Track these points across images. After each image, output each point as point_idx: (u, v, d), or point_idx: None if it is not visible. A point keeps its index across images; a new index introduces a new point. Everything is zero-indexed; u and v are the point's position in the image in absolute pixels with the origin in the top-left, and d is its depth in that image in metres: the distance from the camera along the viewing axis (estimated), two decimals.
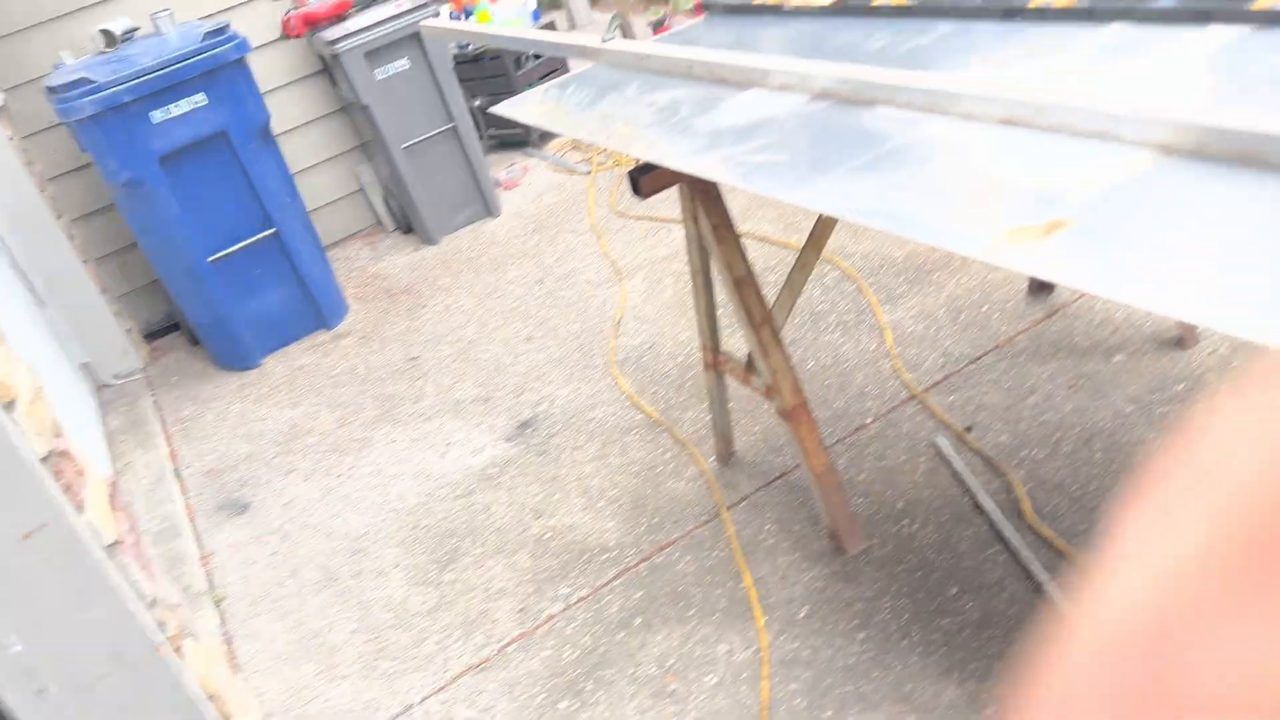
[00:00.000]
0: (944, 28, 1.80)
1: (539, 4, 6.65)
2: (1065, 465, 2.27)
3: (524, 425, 2.99)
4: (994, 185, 1.21)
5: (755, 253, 3.50)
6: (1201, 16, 1.46)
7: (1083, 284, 1.00)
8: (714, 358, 2.39)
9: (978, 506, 2.21)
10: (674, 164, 1.62)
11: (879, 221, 1.23)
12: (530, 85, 4.36)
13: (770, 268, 3.41)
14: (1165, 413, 2.32)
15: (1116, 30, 1.54)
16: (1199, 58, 1.37)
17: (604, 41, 2.14)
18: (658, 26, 5.86)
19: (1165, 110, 1.16)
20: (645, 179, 2.03)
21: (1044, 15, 1.67)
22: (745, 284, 2.07)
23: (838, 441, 2.56)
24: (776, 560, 2.24)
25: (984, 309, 2.89)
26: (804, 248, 2.25)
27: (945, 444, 2.42)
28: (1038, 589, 1.96)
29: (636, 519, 2.49)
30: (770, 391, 2.14)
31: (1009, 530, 2.10)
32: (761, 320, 2.09)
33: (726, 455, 2.60)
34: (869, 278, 3.21)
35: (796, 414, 2.12)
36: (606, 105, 1.99)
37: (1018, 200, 1.15)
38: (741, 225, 3.64)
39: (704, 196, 2.06)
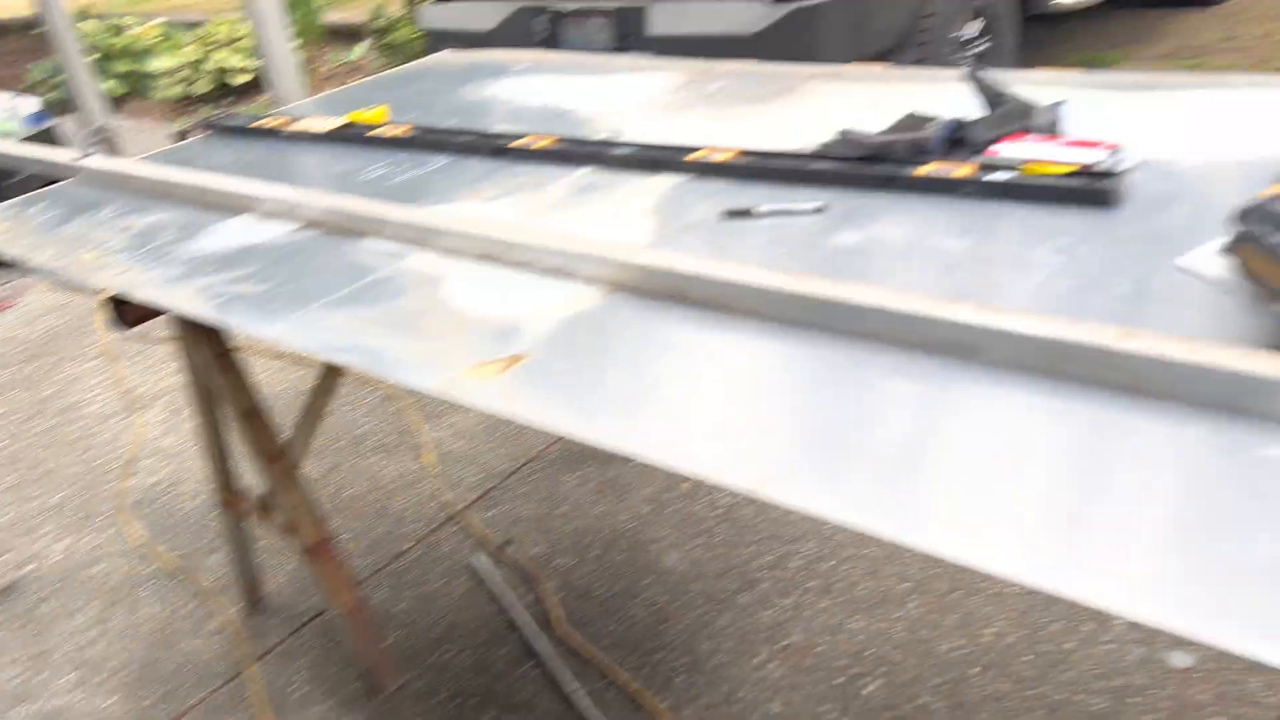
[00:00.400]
0: (439, 161, 1.86)
1: (45, 105, 5.96)
2: (594, 570, 2.38)
3: (3, 594, 2.52)
4: (464, 320, 1.24)
5: (291, 375, 3.34)
6: (652, 165, 1.65)
7: (531, 418, 1.04)
8: (229, 496, 2.19)
9: (513, 624, 2.23)
10: (143, 295, 1.47)
11: (351, 358, 1.20)
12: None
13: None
14: (676, 510, 2.53)
15: (587, 173, 1.69)
16: (650, 200, 1.54)
17: (79, 158, 1.93)
18: (183, 136, 5.51)
19: (612, 250, 1.28)
20: (129, 307, 1.83)
21: (528, 155, 1.79)
22: (253, 416, 1.93)
23: (376, 571, 2.47)
24: (308, 712, 2.07)
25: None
26: (322, 373, 2.16)
27: (482, 563, 2.43)
28: (565, 700, 2.00)
29: (145, 689, 2.18)
30: (290, 529, 2.01)
31: (541, 643, 2.14)
32: (275, 454, 1.96)
33: (255, 601, 2.38)
34: (411, 396, 3.18)
35: (318, 551, 2.00)
36: (77, 227, 1.79)
37: (483, 335, 1.19)
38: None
39: (199, 325, 1.90)
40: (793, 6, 3.38)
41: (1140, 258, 1.15)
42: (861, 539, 2.34)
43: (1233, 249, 0.91)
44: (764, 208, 1.42)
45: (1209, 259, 1.04)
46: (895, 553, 2.29)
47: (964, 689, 1.94)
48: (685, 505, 2.55)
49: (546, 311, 1.24)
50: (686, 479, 2.64)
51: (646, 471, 2.69)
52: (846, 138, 1.51)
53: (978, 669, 1.98)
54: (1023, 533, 0.78)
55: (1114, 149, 1.36)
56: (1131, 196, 1.30)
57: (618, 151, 1.69)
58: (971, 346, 1.00)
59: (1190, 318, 1.01)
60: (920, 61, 3.83)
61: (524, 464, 2.80)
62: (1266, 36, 5.74)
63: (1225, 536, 0.74)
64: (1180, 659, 1.94)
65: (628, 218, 1.49)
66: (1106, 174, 1.31)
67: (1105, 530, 0.77)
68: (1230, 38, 5.82)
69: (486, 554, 2.46)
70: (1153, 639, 1.99)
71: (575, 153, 1.74)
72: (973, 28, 4.19)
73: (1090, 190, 1.29)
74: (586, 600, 2.28)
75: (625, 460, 2.75)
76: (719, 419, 0.98)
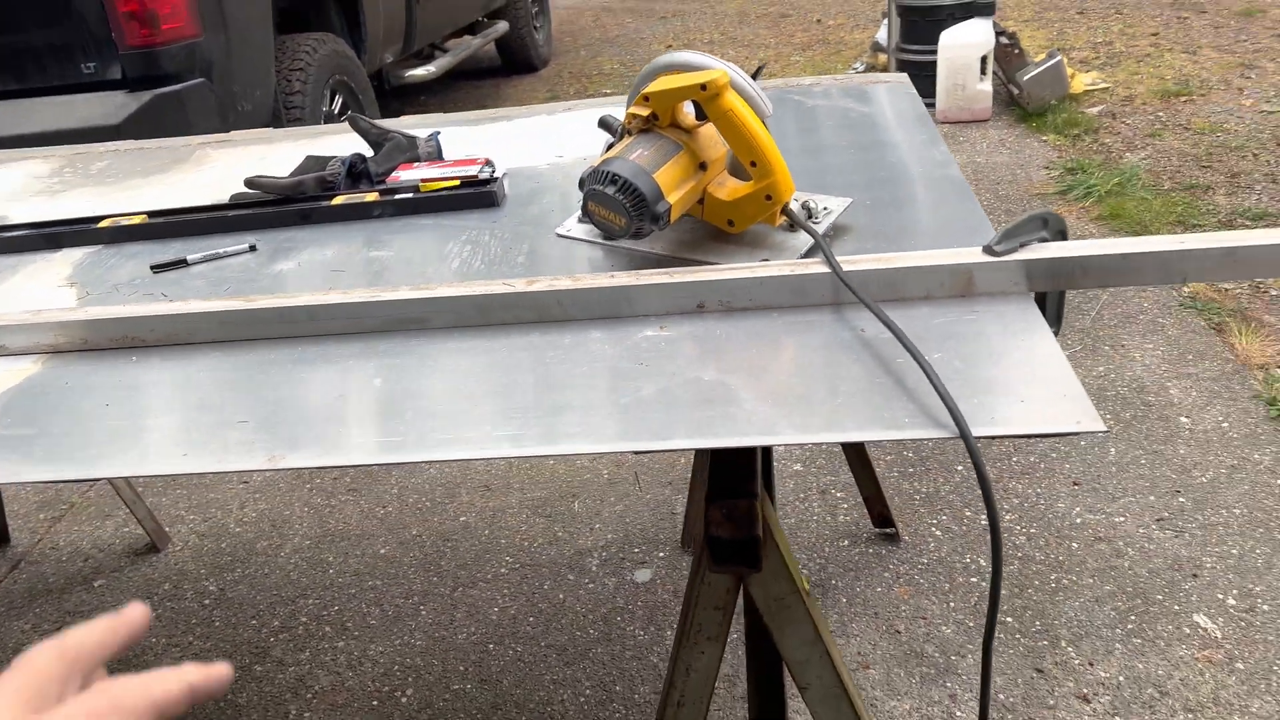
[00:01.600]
0: None
1: None
2: None
3: None
4: None
5: None
6: (54, 242, 1.58)
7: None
8: None
9: None
10: None
11: None
12: None
13: None
14: (163, 613, 2.37)
15: None
16: (62, 273, 1.48)
17: None
18: None
19: (39, 315, 1.24)
20: None
21: None
22: None
23: None
24: None
25: None
26: None
27: None
28: None
29: None
30: None
31: None
32: None
33: None
34: None
35: None
36: None
37: None
38: None
39: None
40: (155, 93, 3.32)
41: (529, 235, 1.44)
42: (360, 575, 2.42)
43: (584, 205, 1.22)
44: (196, 256, 1.47)
45: (575, 224, 1.37)
46: (398, 574, 2.41)
47: (487, 664, 2.14)
48: (173, 604, 2.40)
49: None
50: (166, 580, 2.48)
51: (113, 588, 2.47)
52: (256, 183, 1.62)
53: (493, 644, 2.19)
54: (518, 424, 0.98)
55: (487, 163, 1.66)
56: (509, 196, 1.60)
57: (9, 235, 1.59)
58: (418, 319, 1.19)
59: (574, 263, 1.32)
60: None
61: None
62: (580, 92, 6.97)
63: (625, 390, 1.03)
64: (642, 575, 2.36)
65: (45, 290, 1.43)
66: (487, 180, 1.60)
67: (569, 404, 1.01)
68: (554, 97, 6.94)
69: None
70: (619, 570, 2.38)
71: None
72: (336, 102, 4.48)
73: (479, 195, 1.57)
74: None
75: (86, 584, 2.49)
76: (176, 427, 1.04)
